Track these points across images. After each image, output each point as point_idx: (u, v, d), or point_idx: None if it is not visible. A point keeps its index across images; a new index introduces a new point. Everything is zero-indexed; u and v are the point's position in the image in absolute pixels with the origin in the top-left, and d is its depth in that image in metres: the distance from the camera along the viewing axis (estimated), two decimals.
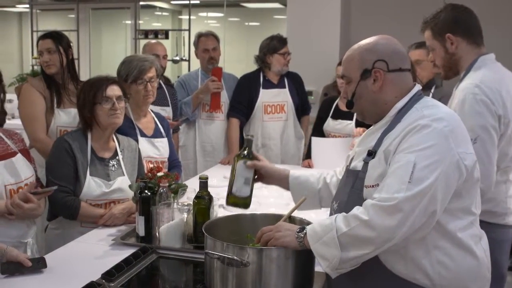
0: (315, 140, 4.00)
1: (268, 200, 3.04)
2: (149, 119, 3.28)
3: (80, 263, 2.11)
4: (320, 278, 1.89)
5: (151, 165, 3.08)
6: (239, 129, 4.35)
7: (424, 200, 1.56)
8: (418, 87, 1.80)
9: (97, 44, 9.45)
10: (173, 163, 3.37)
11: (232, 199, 2.07)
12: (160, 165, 2.73)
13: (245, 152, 2.11)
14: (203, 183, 2.22)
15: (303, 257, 1.76)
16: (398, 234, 1.56)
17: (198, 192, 2.22)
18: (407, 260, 1.65)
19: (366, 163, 1.72)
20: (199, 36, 4.46)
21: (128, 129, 3.11)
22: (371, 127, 1.85)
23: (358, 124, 3.77)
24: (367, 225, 1.57)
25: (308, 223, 1.92)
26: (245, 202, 2.09)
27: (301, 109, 4.43)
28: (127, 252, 2.14)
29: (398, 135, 1.65)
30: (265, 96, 4.30)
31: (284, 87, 4.34)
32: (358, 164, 1.77)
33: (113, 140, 2.76)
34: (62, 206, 2.53)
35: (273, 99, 4.32)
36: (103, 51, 10.45)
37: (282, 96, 4.34)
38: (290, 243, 1.71)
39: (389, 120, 1.75)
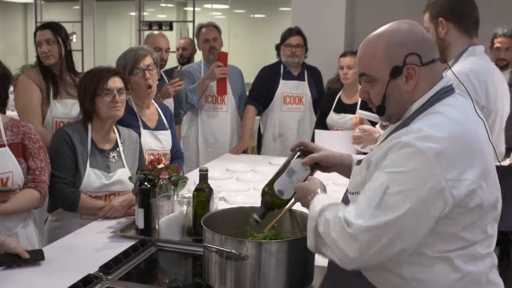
0: (318, 133, 3.98)
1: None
2: (152, 110, 3.25)
3: (79, 256, 2.09)
4: (320, 272, 1.86)
5: (153, 158, 3.07)
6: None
7: (387, 235, 1.37)
8: (444, 81, 1.55)
9: (101, 36, 9.45)
10: (176, 154, 3.35)
11: (270, 190, 1.80)
12: (162, 157, 2.71)
13: (303, 151, 1.86)
14: (203, 176, 2.19)
15: (303, 251, 1.72)
16: (356, 263, 1.42)
17: (198, 184, 2.20)
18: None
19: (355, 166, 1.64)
20: (200, 27, 4.44)
21: (131, 121, 3.09)
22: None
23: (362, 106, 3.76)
24: (332, 242, 1.44)
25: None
26: (280, 203, 1.81)
27: (319, 102, 4.45)
28: (126, 245, 2.12)
29: (385, 146, 1.48)
30: (285, 86, 4.38)
31: (303, 80, 4.39)
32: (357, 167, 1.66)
33: (114, 132, 2.73)
34: (61, 197, 2.52)
35: (292, 91, 4.39)
36: (108, 42, 10.44)
37: (301, 88, 4.40)
38: (303, 204, 1.71)
39: (403, 120, 1.55)
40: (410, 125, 1.48)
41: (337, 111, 4.13)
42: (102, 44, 9.39)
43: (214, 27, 4.42)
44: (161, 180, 2.31)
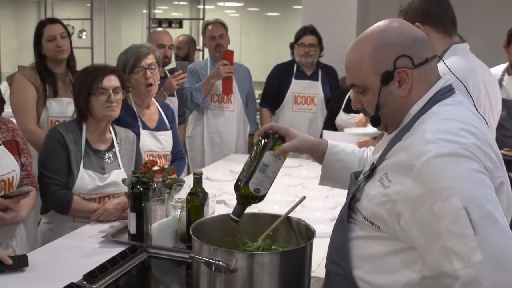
0: (327, 134, 3.83)
1: (273, 196, 2.88)
2: (153, 110, 3.16)
3: (65, 262, 1.99)
4: (318, 284, 1.75)
5: (147, 160, 2.97)
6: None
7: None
8: (443, 81, 1.44)
9: (113, 34, 9.38)
10: (177, 155, 3.25)
11: (246, 191, 1.64)
12: (156, 159, 2.61)
13: (272, 139, 1.66)
14: (197, 179, 2.08)
15: (298, 263, 1.61)
16: None
17: (192, 188, 2.09)
18: None
19: (364, 180, 1.44)
20: (206, 24, 4.36)
21: (131, 121, 2.99)
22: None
23: None
24: None
25: (305, 223, 1.78)
26: (258, 199, 1.67)
27: None
28: (117, 250, 2.02)
29: (398, 166, 1.34)
30: (296, 86, 4.34)
31: (316, 79, 4.32)
32: (361, 178, 1.48)
33: (110, 132, 2.64)
34: (53, 199, 2.43)
35: (304, 91, 4.33)
36: (122, 40, 10.38)
37: (314, 88, 4.33)
38: None
39: (401, 127, 1.43)
40: (415, 133, 1.36)
41: (347, 111, 3.99)
42: (115, 42, 9.32)
43: (220, 24, 4.32)
44: (154, 183, 2.21)
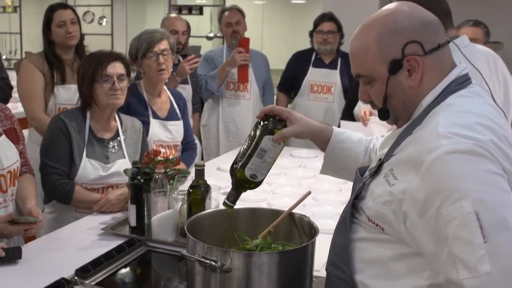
0: (344, 124, 3.72)
1: (283, 189, 2.79)
2: (164, 99, 3.07)
3: (61, 255, 1.92)
4: (320, 285, 1.63)
5: (162, 149, 2.89)
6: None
7: None
8: (459, 69, 1.30)
9: (135, 20, 9.32)
10: (188, 145, 3.16)
11: (242, 176, 1.52)
12: (160, 149, 2.52)
13: (272, 123, 1.53)
14: (199, 171, 1.98)
15: (298, 263, 1.51)
16: None
17: (194, 181, 1.99)
18: None
19: (370, 177, 1.32)
20: (223, 10, 4.24)
21: (141, 110, 2.91)
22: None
23: None
24: None
25: (308, 220, 1.68)
26: (254, 185, 1.55)
27: None
28: (115, 244, 1.94)
29: (405, 161, 1.22)
30: (313, 75, 4.23)
31: (335, 68, 4.20)
32: (367, 175, 1.36)
33: (115, 120, 2.56)
34: (54, 189, 2.36)
35: (321, 79, 4.22)
36: (145, 27, 10.30)
37: (332, 77, 4.21)
38: None
39: (412, 120, 1.30)
40: (426, 126, 1.23)
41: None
42: (136, 28, 9.26)
43: (237, 10, 4.20)
44: (156, 174, 2.12)
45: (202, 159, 4.21)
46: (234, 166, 1.54)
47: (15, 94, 3.34)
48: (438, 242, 1.12)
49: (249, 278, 1.45)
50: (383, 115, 1.34)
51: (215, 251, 1.45)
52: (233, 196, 1.57)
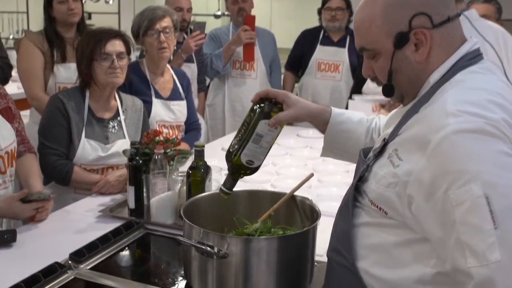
0: (353, 104, 3.63)
1: (289, 170, 2.71)
2: (167, 78, 2.99)
3: (57, 238, 1.86)
4: (322, 270, 1.57)
5: (165, 130, 2.83)
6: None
7: None
8: (469, 44, 1.22)
9: None
10: (191, 125, 3.09)
11: (238, 162, 1.45)
12: (161, 129, 2.46)
13: (267, 106, 1.45)
14: (199, 152, 1.92)
15: (299, 248, 1.45)
16: None
17: (193, 162, 1.92)
18: None
19: (374, 158, 1.24)
20: None
21: (143, 89, 2.85)
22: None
23: None
24: None
25: (310, 203, 1.61)
26: (251, 171, 1.48)
27: None
28: (113, 226, 1.89)
29: (410, 141, 1.14)
30: (321, 53, 4.15)
31: (343, 46, 4.11)
32: (370, 156, 1.28)
33: (115, 99, 2.49)
34: (52, 170, 2.30)
35: (329, 57, 4.13)
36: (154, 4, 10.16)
37: (340, 55, 4.13)
38: None
39: (419, 98, 1.22)
40: (434, 103, 1.15)
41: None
42: (144, 7, 9.16)
43: None
44: (155, 154, 2.06)
45: (208, 139, 4.15)
46: (230, 151, 1.47)
47: (16, 73, 3.28)
48: (445, 227, 1.05)
49: (247, 264, 1.39)
50: (388, 91, 1.26)
51: (212, 236, 1.40)
52: (230, 182, 1.50)
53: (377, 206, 1.20)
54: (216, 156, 2.74)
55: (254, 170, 1.48)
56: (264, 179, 2.49)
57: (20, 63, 3.01)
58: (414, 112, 1.19)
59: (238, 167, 1.46)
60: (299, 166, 2.78)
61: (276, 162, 2.77)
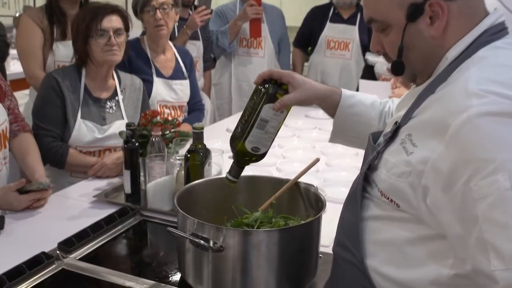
0: (363, 83, 3.49)
1: (295, 152, 2.59)
2: (169, 57, 2.87)
3: (47, 225, 1.76)
4: (327, 264, 1.45)
5: (166, 110, 2.71)
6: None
7: None
8: (493, 17, 1.08)
9: None
10: (195, 106, 2.98)
11: (243, 149, 1.34)
12: (162, 110, 2.34)
13: (272, 89, 1.33)
14: (197, 135, 1.79)
15: (302, 241, 1.33)
16: None
17: (191, 145, 1.81)
18: None
19: (384, 144, 1.12)
20: None
21: (143, 67, 2.73)
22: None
23: None
24: None
25: (315, 191, 1.49)
26: (257, 158, 1.38)
27: None
28: (108, 212, 1.79)
29: (426, 125, 1.01)
30: (330, 30, 4.01)
31: (353, 24, 3.96)
32: (381, 141, 1.17)
33: (113, 78, 2.37)
34: (47, 152, 2.20)
35: (338, 35, 3.99)
36: None
37: (349, 33, 3.97)
38: None
39: (435, 77, 1.09)
40: (453, 83, 1.01)
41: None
42: None
43: None
44: (153, 137, 1.94)
45: (214, 119, 4.03)
46: (234, 138, 1.36)
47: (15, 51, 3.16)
48: (466, 223, 0.92)
49: (245, 258, 1.28)
50: (397, 69, 1.12)
51: (207, 228, 1.28)
52: (236, 170, 1.40)
53: (388, 198, 1.08)
54: (220, 138, 2.63)
55: (260, 156, 1.37)
56: (269, 162, 2.36)
57: (19, 40, 2.90)
58: (429, 93, 1.06)
59: (243, 155, 1.35)
60: (307, 148, 2.65)
61: (282, 144, 2.65)
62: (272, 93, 1.32)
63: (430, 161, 0.97)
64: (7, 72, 4.71)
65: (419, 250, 1.04)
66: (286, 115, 1.36)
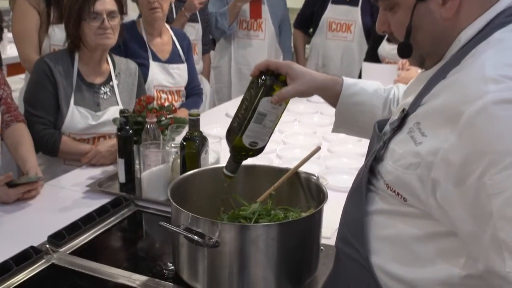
0: (366, 66, 3.40)
1: (296, 138, 2.51)
2: (165, 40, 2.79)
3: (37, 217, 1.69)
4: (329, 257, 1.39)
5: (164, 95, 2.63)
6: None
7: None
8: None
9: None
10: (193, 90, 2.90)
11: (240, 144, 1.28)
12: (157, 95, 2.26)
13: (269, 81, 1.26)
14: (193, 122, 1.72)
15: (301, 236, 1.26)
16: None
17: (187, 132, 1.73)
18: None
19: (391, 133, 1.05)
20: None
21: (139, 51, 2.65)
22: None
23: None
24: None
25: (316, 181, 1.42)
26: (255, 152, 1.31)
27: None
28: (102, 203, 1.72)
29: (437, 112, 0.94)
30: (332, 12, 3.88)
31: (356, 5, 3.83)
32: (387, 129, 1.11)
33: (107, 63, 2.29)
34: (39, 140, 2.12)
35: (340, 17, 3.86)
36: None
37: (352, 14, 3.84)
38: None
39: (446, 60, 1.02)
40: (467, 67, 0.93)
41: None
42: None
43: None
44: (147, 123, 1.87)
45: (214, 103, 3.95)
46: (230, 132, 1.30)
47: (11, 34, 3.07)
48: (479, 220, 0.85)
49: (242, 254, 1.21)
50: (404, 51, 1.05)
51: (202, 222, 1.21)
52: (233, 165, 1.33)
53: (394, 191, 1.00)
54: (219, 123, 2.56)
55: (258, 151, 1.31)
56: (269, 148, 2.24)
57: (14, 23, 2.81)
58: (440, 78, 0.98)
59: (240, 149, 1.28)
60: (308, 134, 2.58)
61: (283, 130, 2.57)
62: (269, 85, 1.25)
63: (441, 152, 0.89)
64: (3, 56, 4.63)
65: (428, 248, 0.97)
66: (285, 107, 1.29)
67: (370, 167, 1.08)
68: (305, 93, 1.32)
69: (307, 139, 2.48)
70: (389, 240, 1.03)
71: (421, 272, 0.98)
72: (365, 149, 2.00)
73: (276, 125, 1.30)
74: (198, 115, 1.72)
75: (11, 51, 4.74)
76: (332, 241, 1.47)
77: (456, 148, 0.87)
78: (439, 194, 0.91)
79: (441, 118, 0.92)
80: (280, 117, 1.30)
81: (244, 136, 1.26)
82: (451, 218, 0.91)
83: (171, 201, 1.27)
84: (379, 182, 1.05)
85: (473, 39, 0.98)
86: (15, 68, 4.26)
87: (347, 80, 1.34)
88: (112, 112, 2.19)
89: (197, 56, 3.52)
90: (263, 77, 1.27)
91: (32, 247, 1.42)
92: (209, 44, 3.89)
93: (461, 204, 0.88)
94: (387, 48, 3.49)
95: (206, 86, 3.72)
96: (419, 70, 1.12)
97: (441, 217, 0.93)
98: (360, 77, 3.52)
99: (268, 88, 1.25)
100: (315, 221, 1.28)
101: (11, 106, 2.08)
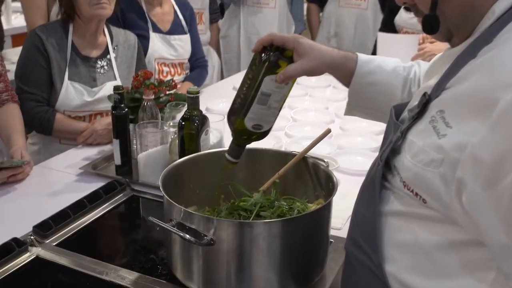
0: (382, 36, 3.20)
1: (307, 114, 2.37)
2: (166, 9, 2.63)
3: (24, 204, 1.57)
4: (339, 251, 1.26)
5: (166, 68, 2.49)
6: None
7: None
8: None
9: None
10: (197, 62, 2.75)
11: (241, 127, 1.14)
12: (159, 68, 2.12)
13: (273, 57, 1.12)
14: (192, 100, 1.57)
15: (307, 232, 1.12)
16: None
17: (186, 111, 1.59)
18: None
19: (410, 121, 0.90)
20: None
21: (138, 22, 2.50)
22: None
23: None
24: None
25: (325, 169, 1.28)
26: (259, 136, 1.19)
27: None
28: (96, 186, 1.60)
29: (465, 100, 0.79)
30: None
31: None
32: (405, 116, 0.95)
33: (104, 34, 2.14)
34: (31, 117, 2.01)
35: None
36: None
37: None
38: None
39: (476, 36, 0.86)
40: (502, 45, 0.79)
41: (409, 9, 3.31)
42: None
43: None
44: (145, 101, 1.73)
45: (222, 75, 3.80)
46: (232, 113, 1.16)
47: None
48: None
49: (240, 253, 1.08)
50: (430, 26, 0.90)
51: (196, 218, 1.08)
52: (236, 150, 1.20)
53: (412, 191, 0.86)
54: (226, 97, 2.42)
55: (263, 134, 1.18)
56: (277, 126, 2.10)
57: None
58: (470, 57, 0.83)
59: (243, 133, 1.15)
60: (319, 110, 2.43)
61: (293, 105, 2.43)
62: (273, 61, 1.10)
63: (469, 148, 0.75)
64: (7, 27, 4.51)
65: (451, 259, 0.83)
66: (291, 88, 1.15)
67: (386, 161, 0.93)
68: (314, 71, 1.16)
69: (318, 116, 2.34)
70: (405, 246, 0.89)
71: (442, 285, 0.84)
72: (381, 127, 1.85)
73: (282, 106, 1.17)
74: (198, 92, 1.58)
75: (16, 21, 4.62)
76: (342, 233, 1.34)
77: (488, 143, 0.73)
78: (465, 197, 0.77)
79: (470, 106, 0.77)
80: (287, 96, 1.15)
81: (246, 119, 1.12)
82: (478, 226, 0.77)
83: (163, 192, 1.14)
84: (395, 179, 0.91)
85: (509, 11, 0.82)
86: (20, 39, 4.12)
87: (362, 57, 1.19)
88: (109, 88, 2.06)
89: (204, 26, 3.37)
90: (267, 52, 1.12)
91: (15, 239, 1.30)
92: (217, 12, 3.73)
93: (492, 210, 0.73)
94: (404, 17, 3.28)
95: (214, 57, 3.57)
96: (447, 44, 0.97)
97: (467, 223, 0.79)
98: (375, 48, 3.35)
99: (272, 64, 1.10)
100: (323, 216, 1.14)
101: (8, 84, 1.96)
